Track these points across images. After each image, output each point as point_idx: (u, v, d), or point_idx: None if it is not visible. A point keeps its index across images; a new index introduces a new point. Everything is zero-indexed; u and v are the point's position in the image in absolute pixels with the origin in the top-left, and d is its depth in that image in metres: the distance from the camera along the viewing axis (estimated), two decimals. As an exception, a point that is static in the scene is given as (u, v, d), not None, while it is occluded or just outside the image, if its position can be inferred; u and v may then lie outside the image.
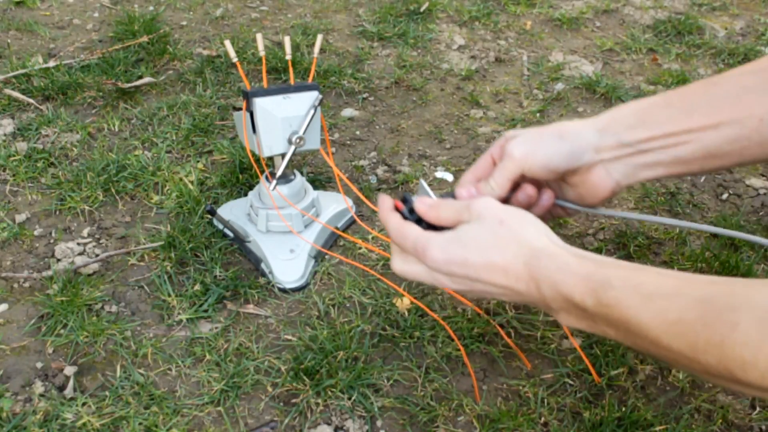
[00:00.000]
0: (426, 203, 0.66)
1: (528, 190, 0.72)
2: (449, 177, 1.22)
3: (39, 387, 0.83)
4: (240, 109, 0.96)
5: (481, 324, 0.92)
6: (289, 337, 0.91)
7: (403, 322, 0.92)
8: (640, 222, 1.12)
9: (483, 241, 0.60)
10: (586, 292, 0.54)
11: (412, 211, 0.66)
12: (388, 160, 1.25)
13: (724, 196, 1.21)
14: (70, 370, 0.85)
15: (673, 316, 0.50)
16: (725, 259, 1.02)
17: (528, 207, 0.72)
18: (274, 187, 0.99)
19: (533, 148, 0.69)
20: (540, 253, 0.59)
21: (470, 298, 0.88)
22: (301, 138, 0.96)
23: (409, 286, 0.99)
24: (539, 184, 0.74)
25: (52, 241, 1.05)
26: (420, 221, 0.66)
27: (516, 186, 0.72)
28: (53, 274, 0.97)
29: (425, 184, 0.71)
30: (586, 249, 1.07)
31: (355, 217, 1.08)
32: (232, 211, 1.06)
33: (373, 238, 1.06)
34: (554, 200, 0.75)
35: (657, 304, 0.51)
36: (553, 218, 0.80)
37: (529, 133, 0.71)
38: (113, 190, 1.14)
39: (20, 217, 1.09)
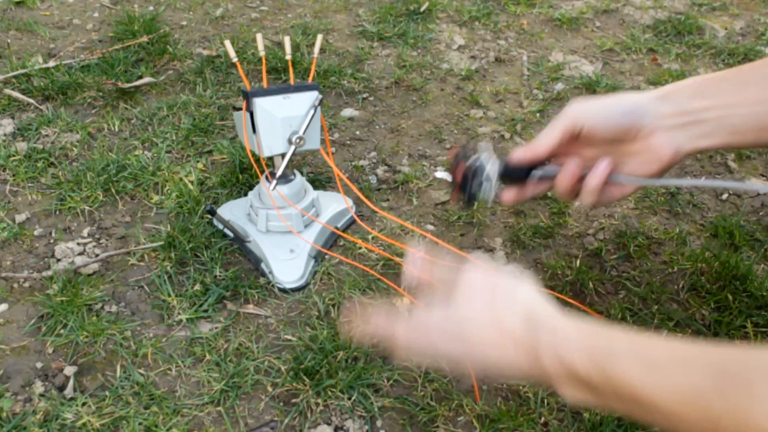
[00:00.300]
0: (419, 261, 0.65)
1: (587, 153, 0.73)
2: (449, 177, 1.22)
3: (39, 387, 0.83)
4: (240, 109, 0.96)
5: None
6: (289, 337, 0.91)
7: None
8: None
9: (477, 319, 0.57)
10: (589, 362, 0.51)
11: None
12: (388, 160, 1.25)
13: (724, 196, 1.21)
14: (70, 370, 0.85)
15: (685, 387, 0.47)
16: (725, 259, 1.02)
17: (582, 179, 0.72)
18: (274, 187, 0.99)
19: (591, 104, 0.71)
20: (538, 324, 0.56)
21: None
22: (301, 138, 0.96)
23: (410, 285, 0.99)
24: (593, 156, 0.74)
25: (52, 241, 1.05)
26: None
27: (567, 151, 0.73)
28: (53, 274, 0.97)
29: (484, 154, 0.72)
30: (586, 249, 1.07)
31: (355, 217, 1.08)
32: (232, 211, 1.06)
33: (373, 238, 1.06)
34: (610, 170, 0.73)
35: (667, 373, 0.48)
36: (600, 203, 0.78)
37: (588, 99, 0.73)
38: (113, 190, 1.14)
39: (20, 217, 1.09)
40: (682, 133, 0.71)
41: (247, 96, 0.94)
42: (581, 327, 0.55)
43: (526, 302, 0.58)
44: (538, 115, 1.40)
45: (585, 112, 0.71)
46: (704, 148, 0.73)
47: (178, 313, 0.93)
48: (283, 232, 1.02)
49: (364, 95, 1.44)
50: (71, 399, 0.82)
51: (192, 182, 1.15)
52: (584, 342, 0.53)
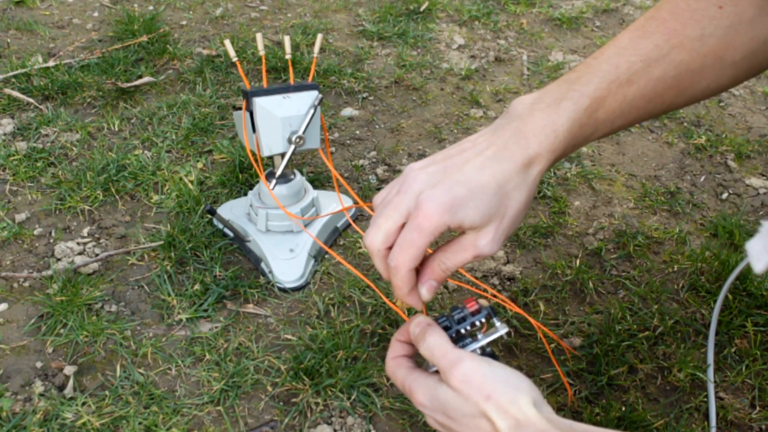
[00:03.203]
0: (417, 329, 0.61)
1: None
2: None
3: (39, 386, 0.83)
4: (240, 108, 0.96)
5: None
6: (289, 337, 0.91)
7: (403, 322, 0.92)
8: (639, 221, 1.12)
9: (468, 418, 0.55)
10: None
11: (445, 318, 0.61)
12: (387, 160, 1.25)
13: (724, 195, 1.21)
14: (69, 370, 0.85)
15: None
16: (725, 259, 1.02)
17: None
18: (274, 187, 0.99)
19: (508, 233, 0.61)
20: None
21: None
22: (300, 137, 0.96)
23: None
24: None
25: (51, 240, 1.05)
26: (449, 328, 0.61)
27: None
28: (53, 273, 0.97)
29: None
30: (586, 249, 1.07)
31: (350, 221, 1.07)
32: (231, 211, 1.06)
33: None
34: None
35: None
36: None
37: (493, 224, 0.60)
38: (113, 190, 1.14)
39: (20, 217, 1.09)
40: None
41: (247, 95, 0.94)
42: None
43: (519, 407, 0.54)
44: (538, 114, 1.40)
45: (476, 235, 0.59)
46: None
47: (178, 313, 0.93)
48: (283, 232, 1.01)
49: (364, 95, 1.44)
50: (71, 398, 0.82)
51: (192, 182, 1.15)
52: None
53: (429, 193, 0.58)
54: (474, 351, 0.59)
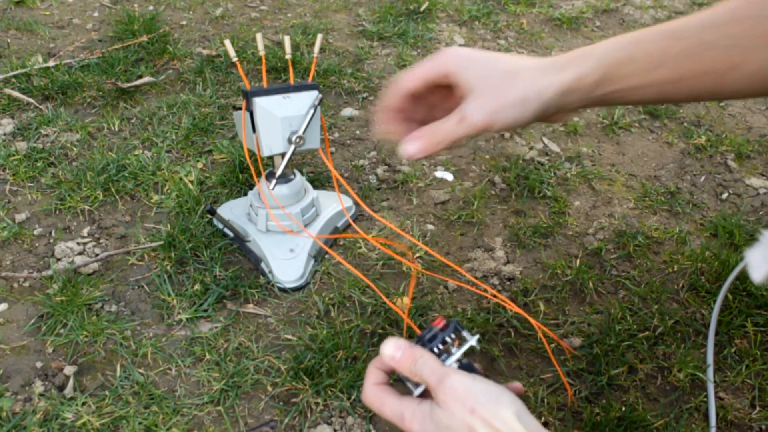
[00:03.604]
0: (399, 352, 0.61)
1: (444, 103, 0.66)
2: (449, 177, 1.22)
3: (39, 386, 0.83)
4: (240, 108, 0.96)
5: (481, 323, 0.92)
6: (289, 337, 0.91)
7: (403, 322, 0.92)
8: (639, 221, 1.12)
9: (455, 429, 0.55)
10: None
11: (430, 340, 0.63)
12: (387, 160, 1.25)
13: (724, 195, 1.21)
14: (69, 370, 0.85)
15: None
16: (725, 259, 1.02)
17: None
18: (274, 187, 0.99)
19: (496, 115, 0.62)
20: None
21: None
22: (300, 137, 0.96)
23: (409, 286, 0.99)
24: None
25: (51, 240, 1.05)
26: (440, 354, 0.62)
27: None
28: (53, 273, 0.97)
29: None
30: (586, 249, 1.07)
31: (350, 221, 1.07)
32: (231, 211, 1.06)
33: (366, 243, 1.06)
34: None
35: None
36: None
37: (488, 92, 0.62)
38: (113, 190, 1.14)
39: (20, 217, 1.09)
40: (584, 105, 0.67)
41: (247, 95, 0.94)
42: None
43: (503, 420, 0.54)
44: (538, 114, 1.40)
45: (492, 122, 0.61)
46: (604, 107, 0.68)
47: (178, 313, 0.93)
48: (283, 232, 1.01)
49: (364, 95, 1.44)
50: (71, 398, 0.82)
51: (192, 182, 1.15)
52: None
53: (453, 47, 0.63)
54: (451, 365, 0.60)
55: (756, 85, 0.66)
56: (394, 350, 0.61)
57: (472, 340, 0.61)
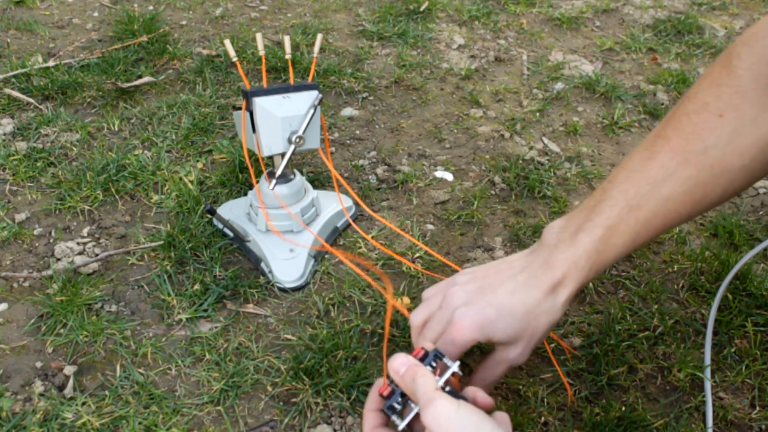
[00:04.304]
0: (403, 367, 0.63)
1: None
2: (449, 176, 1.22)
3: (39, 386, 0.83)
4: (240, 108, 0.96)
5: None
6: (289, 337, 0.91)
7: (403, 322, 0.92)
8: None
9: None
10: None
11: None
12: (387, 160, 1.25)
13: (724, 195, 1.21)
14: (69, 370, 0.85)
15: None
16: (725, 259, 1.02)
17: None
18: (274, 187, 0.99)
19: (530, 350, 0.70)
20: None
21: None
22: (300, 137, 0.96)
23: (409, 285, 0.99)
24: None
25: (51, 240, 1.05)
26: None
27: None
28: (53, 273, 0.97)
29: None
30: (586, 248, 1.06)
31: (350, 221, 1.08)
32: (231, 211, 1.06)
33: (372, 238, 1.07)
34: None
35: None
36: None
37: (520, 342, 0.68)
38: (113, 190, 1.14)
39: (20, 217, 1.09)
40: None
41: (247, 95, 0.94)
42: None
43: None
44: (537, 114, 1.40)
45: (487, 336, 0.67)
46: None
47: (178, 313, 0.93)
48: (283, 232, 1.01)
49: (364, 95, 1.44)
50: (71, 398, 0.82)
51: (192, 182, 1.15)
52: None
53: (464, 310, 0.67)
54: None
55: (728, 197, 0.69)
56: (399, 365, 0.63)
57: (454, 367, 0.63)
